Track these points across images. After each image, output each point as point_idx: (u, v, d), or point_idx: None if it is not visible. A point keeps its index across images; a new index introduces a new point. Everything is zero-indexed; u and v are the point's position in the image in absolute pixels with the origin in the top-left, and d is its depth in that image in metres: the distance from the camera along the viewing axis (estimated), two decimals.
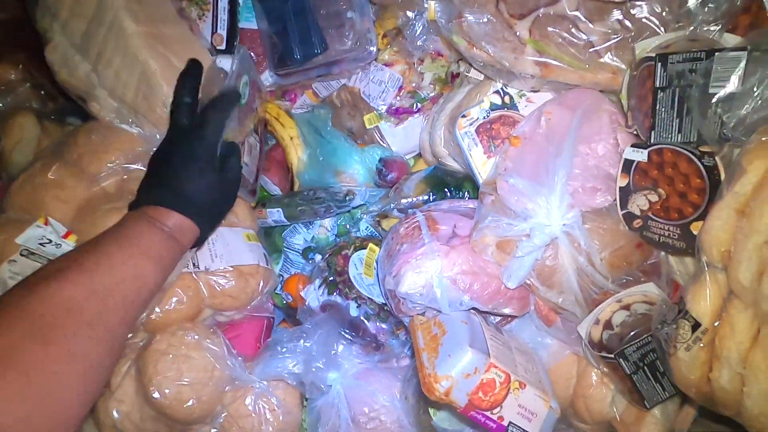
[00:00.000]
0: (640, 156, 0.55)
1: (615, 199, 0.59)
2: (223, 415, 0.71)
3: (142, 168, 0.65)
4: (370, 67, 0.86)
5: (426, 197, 0.78)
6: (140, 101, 0.72)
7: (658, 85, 0.52)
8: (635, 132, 0.59)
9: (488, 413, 0.58)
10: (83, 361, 0.41)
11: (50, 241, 0.58)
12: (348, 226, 0.91)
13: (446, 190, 0.78)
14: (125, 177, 0.65)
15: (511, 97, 0.70)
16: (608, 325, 0.59)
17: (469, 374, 0.58)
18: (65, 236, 0.59)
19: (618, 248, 0.59)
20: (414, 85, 0.85)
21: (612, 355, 0.57)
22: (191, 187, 0.56)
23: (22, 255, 0.57)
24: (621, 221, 0.59)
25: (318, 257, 0.87)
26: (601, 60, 0.59)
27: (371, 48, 0.81)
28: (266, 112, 0.89)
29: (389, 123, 0.87)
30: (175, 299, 0.69)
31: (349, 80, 0.88)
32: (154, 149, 0.67)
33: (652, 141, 0.54)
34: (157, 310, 0.67)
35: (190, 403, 0.66)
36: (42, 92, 0.91)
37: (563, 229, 0.59)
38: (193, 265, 0.71)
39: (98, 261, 0.45)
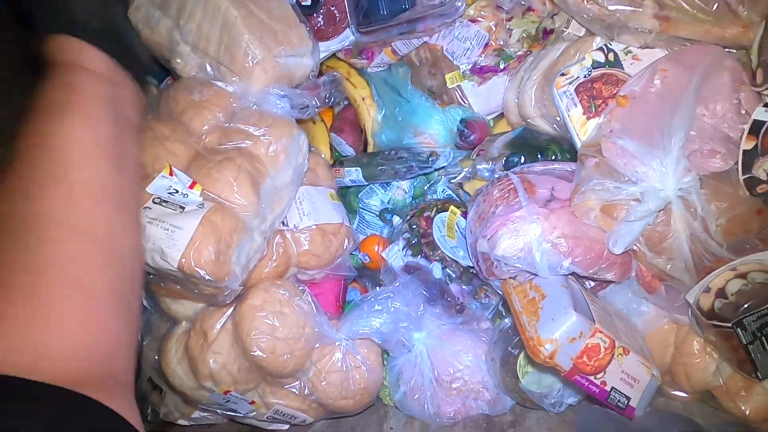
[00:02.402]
0: None
1: (736, 163, 0.56)
2: (312, 370, 0.73)
3: (239, 124, 0.65)
4: (454, 23, 0.82)
5: (516, 159, 0.76)
6: (223, 53, 0.71)
7: None
8: (765, 91, 0.55)
9: (592, 378, 0.58)
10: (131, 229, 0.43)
11: (177, 191, 0.59)
12: (425, 188, 0.90)
13: (538, 153, 0.76)
14: (224, 132, 0.65)
15: (615, 55, 0.67)
16: (721, 293, 0.57)
17: (574, 338, 0.57)
18: (191, 186, 0.60)
19: (736, 214, 0.57)
20: (501, 42, 0.81)
21: (729, 324, 0.56)
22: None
23: (155, 203, 0.59)
24: (741, 186, 0.56)
25: (396, 219, 0.86)
26: (732, 12, 0.55)
27: (459, 3, 0.77)
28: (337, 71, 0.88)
29: (472, 82, 0.85)
30: (267, 257, 0.70)
31: (431, 38, 0.85)
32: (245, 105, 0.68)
33: None
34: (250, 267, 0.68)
35: (285, 357, 0.68)
36: None
37: (678, 194, 0.57)
38: (283, 223, 0.72)
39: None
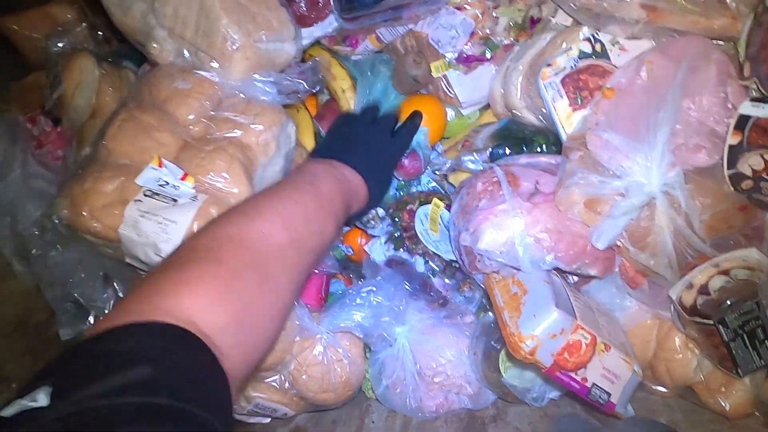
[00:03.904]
0: (761, 111, 0.51)
1: (721, 158, 0.55)
2: (293, 363, 0.72)
3: (226, 112, 0.64)
4: (440, 10, 0.80)
5: (501, 151, 0.74)
6: (200, 38, 0.69)
7: None
8: (752, 84, 0.54)
9: (573, 374, 0.57)
10: (283, 300, 0.44)
11: (168, 183, 0.57)
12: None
13: (523, 145, 0.74)
14: (211, 121, 0.63)
15: (602, 45, 0.66)
16: (704, 290, 0.57)
17: (555, 335, 0.56)
18: (182, 178, 0.58)
19: (720, 210, 0.56)
20: (488, 30, 0.80)
21: (710, 321, 0.55)
22: (366, 148, 0.62)
23: (146, 195, 0.57)
24: (726, 182, 0.56)
25: (380, 211, 0.85)
26: (720, 3, 0.53)
27: None
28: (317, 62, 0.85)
29: (458, 71, 0.83)
30: None
31: (416, 25, 0.83)
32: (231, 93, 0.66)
33: None
34: None
35: None
36: (99, 33, 0.88)
37: (663, 189, 0.56)
38: None
39: (298, 211, 0.48)
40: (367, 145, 0.64)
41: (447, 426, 0.73)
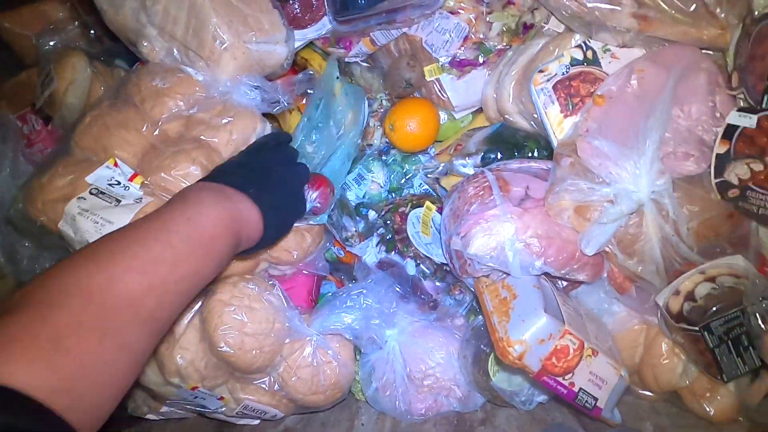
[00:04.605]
0: (748, 121, 0.52)
1: (709, 166, 0.56)
2: (282, 365, 0.72)
3: (202, 113, 0.63)
4: (434, 15, 0.81)
5: (493, 155, 0.75)
6: (190, 37, 0.69)
7: None
8: (740, 95, 0.55)
9: (560, 379, 0.57)
10: (133, 352, 0.41)
11: (119, 183, 0.57)
12: (401, 182, 0.88)
13: (515, 150, 0.75)
14: (186, 121, 0.63)
15: (594, 52, 0.66)
16: (690, 296, 0.57)
17: (543, 340, 0.57)
18: (131, 179, 0.58)
19: (707, 218, 0.57)
20: (481, 35, 0.80)
21: (696, 328, 0.56)
22: (267, 174, 0.54)
23: (91, 193, 0.57)
24: (713, 190, 0.56)
25: (372, 214, 0.85)
26: (710, 14, 0.54)
27: None
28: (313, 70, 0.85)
29: (451, 75, 0.83)
30: None
31: (410, 28, 0.83)
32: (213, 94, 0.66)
33: (764, 105, 0.50)
34: None
35: (253, 353, 0.67)
36: (91, 32, 0.87)
37: (651, 197, 0.56)
38: None
39: (163, 253, 0.43)
40: (268, 172, 0.57)
41: (436, 428, 0.74)
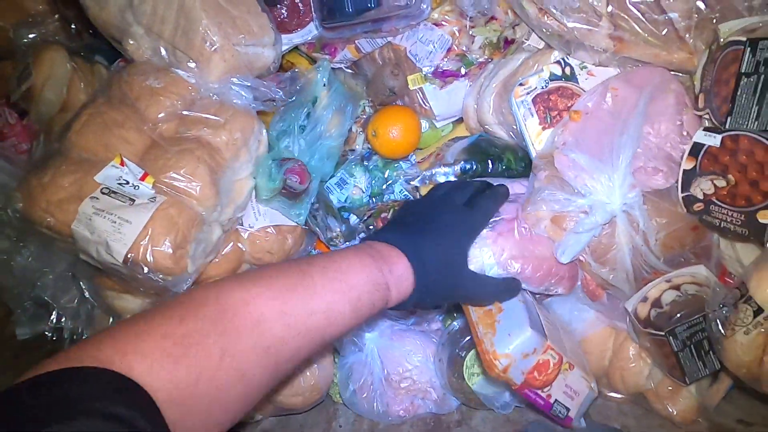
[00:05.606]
0: (713, 140, 0.55)
1: (676, 181, 0.60)
2: None
3: (197, 114, 0.63)
4: (419, 25, 0.83)
5: (470, 166, 0.77)
6: (179, 37, 0.68)
7: (743, 71, 0.52)
8: (706, 115, 0.58)
9: (539, 391, 0.60)
10: (249, 382, 0.38)
11: (127, 182, 0.56)
12: (383, 188, 0.90)
13: (489, 160, 0.77)
14: (180, 121, 0.63)
15: (572, 69, 0.69)
16: (657, 303, 0.61)
17: (527, 354, 0.59)
18: (142, 178, 0.57)
19: (674, 230, 0.60)
20: (464, 47, 0.82)
21: (661, 333, 0.59)
22: (432, 246, 0.51)
23: (103, 193, 0.56)
24: (679, 203, 0.60)
25: (353, 218, 0.86)
26: (680, 38, 0.58)
27: (425, 6, 0.78)
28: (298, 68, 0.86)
29: (434, 85, 0.85)
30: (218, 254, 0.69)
31: (395, 38, 0.85)
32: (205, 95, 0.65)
33: (727, 126, 0.54)
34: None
35: None
36: (72, 27, 0.86)
37: (623, 209, 0.59)
38: (239, 223, 0.71)
39: (297, 283, 0.42)
40: (425, 220, 0.54)
41: (413, 430, 0.75)
